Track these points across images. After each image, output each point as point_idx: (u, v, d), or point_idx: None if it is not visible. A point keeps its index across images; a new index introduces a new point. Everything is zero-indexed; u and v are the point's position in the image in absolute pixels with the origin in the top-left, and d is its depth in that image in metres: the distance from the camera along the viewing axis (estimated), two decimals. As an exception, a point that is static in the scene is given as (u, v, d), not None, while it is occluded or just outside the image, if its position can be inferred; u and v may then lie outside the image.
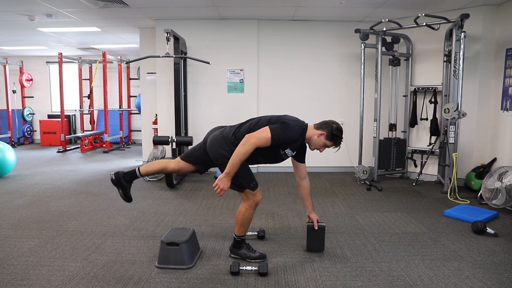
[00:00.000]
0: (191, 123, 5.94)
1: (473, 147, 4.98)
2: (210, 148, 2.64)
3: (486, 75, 4.86)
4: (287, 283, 2.45)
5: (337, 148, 2.63)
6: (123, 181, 2.85)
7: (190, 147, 5.72)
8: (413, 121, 5.40)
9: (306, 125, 2.63)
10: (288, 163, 6.21)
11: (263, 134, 2.39)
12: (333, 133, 2.56)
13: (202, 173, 2.89)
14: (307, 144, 2.69)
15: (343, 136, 2.62)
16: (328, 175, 5.77)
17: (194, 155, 2.82)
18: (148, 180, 5.32)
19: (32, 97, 9.80)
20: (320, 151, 2.66)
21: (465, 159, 4.96)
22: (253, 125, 2.58)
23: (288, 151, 2.57)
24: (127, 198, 2.91)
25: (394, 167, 5.47)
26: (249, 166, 2.62)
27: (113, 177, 2.83)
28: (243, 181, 2.56)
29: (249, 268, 2.58)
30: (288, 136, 2.45)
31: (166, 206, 4.14)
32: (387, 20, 4.83)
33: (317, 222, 2.85)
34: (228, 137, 2.56)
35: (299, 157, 2.76)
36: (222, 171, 2.51)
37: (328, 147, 2.61)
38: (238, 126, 2.63)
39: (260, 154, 2.53)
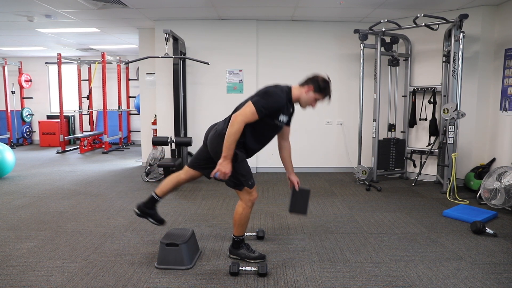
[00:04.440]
0: (190, 124, 5.94)
1: (472, 147, 4.99)
2: (211, 148, 2.65)
3: (485, 75, 4.87)
4: (286, 283, 2.45)
5: (328, 100, 2.60)
6: (147, 209, 2.82)
7: (189, 148, 5.75)
8: (412, 122, 5.41)
9: (289, 87, 2.60)
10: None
11: (247, 109, 2.38)
12: (319, 85, 2.53)
13: (210, 177, 2.78)
14: (295, 106, 2.66)
15: (330, 86, 2.57)
16: (327, 176, 5.77)
17: (199, 160, 2.79)
18: (148, 181, 5.32)
19: (31, 98, 9.80)
20: (313, 107, 2.61)
21: (464, 159, 4.97)
22: (239, 107, 2.57)
23: (282, 117, 2.54)
24: (160, 221, 2.87)
25: (393, 167, 5.47)
26: (253, 155, 2.65)
27: (137, 211, 2.81)
28: (242, 178, 2.57)
29: (248, 268, 2.58)
30: (271, 103, 2.41)
31: (165, 206, 4.13)
32: (386, 20, 4.83)
33: (298, 184, 2.83)
34: (222, 131, 2.54)
35: (288, 121, 2.74)
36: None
37: (319, 100, 2.57)
38: (228, 117, 2.60)
39: (259, 135, 2.54)
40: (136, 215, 2.82)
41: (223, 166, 2.42)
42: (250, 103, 2.41)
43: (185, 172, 2.84)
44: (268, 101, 2.41)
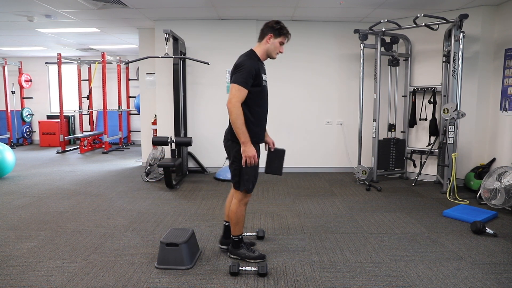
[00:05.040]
0: (190, 124, 5.94)
1: (472, 147, 4.98)
2: (226, 150, 2.69)
3: (485, 75, 4.87)
4: (286, 283, 2.45)
5: (288, 38, 2.66)
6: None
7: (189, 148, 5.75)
8: (412, 122, 5.41)
9: (251, 49, 2.65)
10: (289, 163, 6.18)
11: (233, 90, 2.43)
12: (275, 29, 2.58)
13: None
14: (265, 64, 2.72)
15: (283, 24, 2.62)
16: (327, 176, 5.77)
17: (233, 175, 2.74)
18: (148, 181, 5.32)
19: (31, 98, 9.80)
20: (282, 52, 2.67)
21: (464, 159, 4.97)
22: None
23: (264, 77, 2.60)
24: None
25: (393, 167, 5.47)
26: (264, 135, 2.70)
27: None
28: (246, 176, 2.58)
29: (248, 268, 2.58)
30: (248, 70, 2.45)
31: (165, 206, 4.14)
32: (386, 20, 4.83)
33: (273, 145, 2.85)
34: (230, 131, 2.59)
35: None
36: (236, 170, 2.57)
37: (284, 43, 2.63)
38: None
39: (257, 105, 2.56)
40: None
41: (247, 151, 2.46)
42: (231, 85, 2.46)
43: (232, 191, 2.83)
44: (244, 71, 2.45)
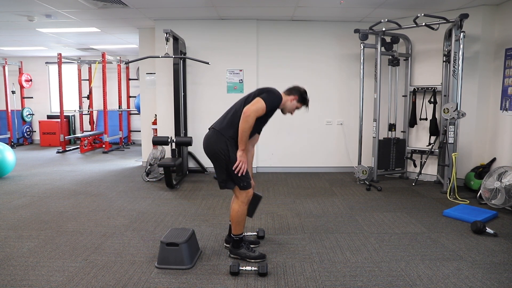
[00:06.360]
0: (191, 124, 5.94)
1: (472, 147, 4.98)
2: (209, 147, 2.68)
3: (485, 75, 4.87)
4: (286, 283, 2.45)
5: (307, 109, 2.88)
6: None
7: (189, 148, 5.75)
8: (412, 121, 5.41)
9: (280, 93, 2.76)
10: (289, 163, 6.14)
11: (259, 105, 2.55)
12: (303, 97, 2.80)
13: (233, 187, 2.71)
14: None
15: (308, 97, 2.85)
16: (327, 175, 5.77)
17: (217, 174, 2.73)
18: (148, 181, 5.32)
19: (32, 97, 9.81)
20: (292, 114, 2.86)
21: (464, 159, 4.96)
22: (238, 105, 2.69)
23: (272, 114, 2.74)
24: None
25: (393, 167, 5.47)
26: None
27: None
28: (235, 177, 2.62)
29: (248, 268, 2.58)
30: (275, 100, 2.65)
31: (165, 206, 4.14)
32: (386, 20, 4.83)
33: (253, 189, 2.82)
34: (222, 130, 2.64)
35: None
36: (220, 168, 2.63)
37: (299, 108, 2.84)
38: (230, 118, 2.67)
39: (255, 124, 2.61)
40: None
41: (244, 157, 2.59)
42: (260, 99, 2.56)
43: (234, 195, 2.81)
44: (273, 99, 2.63)
